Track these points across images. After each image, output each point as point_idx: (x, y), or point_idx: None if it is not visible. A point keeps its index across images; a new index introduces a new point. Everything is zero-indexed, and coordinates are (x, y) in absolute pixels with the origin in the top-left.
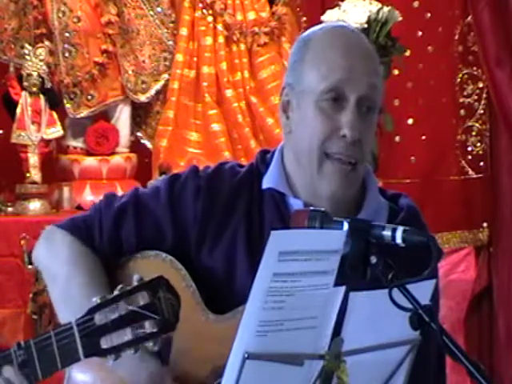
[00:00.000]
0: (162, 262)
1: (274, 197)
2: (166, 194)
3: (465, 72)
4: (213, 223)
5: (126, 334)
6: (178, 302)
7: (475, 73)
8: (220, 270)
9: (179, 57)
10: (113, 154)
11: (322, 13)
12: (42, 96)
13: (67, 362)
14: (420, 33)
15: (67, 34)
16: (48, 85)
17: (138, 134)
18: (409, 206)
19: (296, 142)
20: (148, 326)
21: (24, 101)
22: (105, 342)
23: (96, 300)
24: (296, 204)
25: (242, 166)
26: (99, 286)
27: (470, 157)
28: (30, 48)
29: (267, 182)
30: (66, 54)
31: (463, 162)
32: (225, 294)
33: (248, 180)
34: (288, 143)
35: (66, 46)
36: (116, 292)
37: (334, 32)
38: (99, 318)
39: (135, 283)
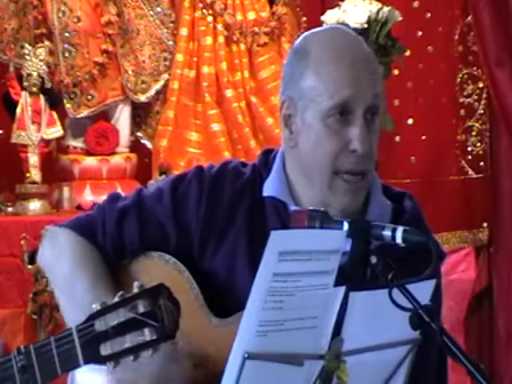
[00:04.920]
0: (165, 263)
1: (275, 205)
2: (170, 197)
3: (465, 72)
4: (215, 228)
5: (126, 341)
6: (177, 309)
7: (475, 73)
8: (222, 275)
9: (179, 57)
10: (113, 154)
11: (322, 13)
12: (41, 96)
13: (67, 367)
14: (420, 33)
15: (67, 34)
16: (48, 85)
17: (138, 134)
18: (412, 209)
19: (303, 157)
20: (148, 334)
21: (24, 101)
22: (104, 349)
23: (96, 307)
24: None
25: (245, 165)
26: (104, 285)
27: (469, 157)
28: (29, 48)
29: (268, 190)
30: (66, 54)
31: (463, 161)
32: (226, 299)
33: (250, 184)
34: (292, 156)
35: (65, 46)
36: (116, 299)
37: (333, 41)
38: (99, 325)
39: (136, 290)
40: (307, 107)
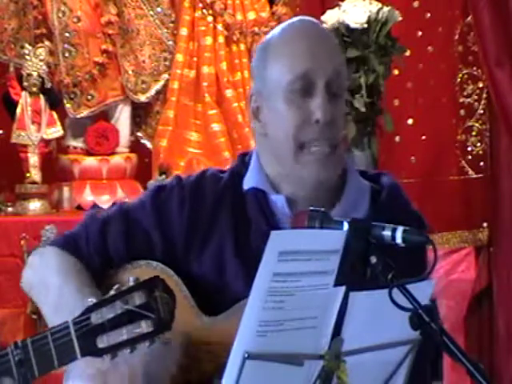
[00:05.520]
0: (152, 270)
1: (256, 195)
2: (152, 206)
3: (465, 72)
4: (199, 231)
5: (123, 334)
6: (173, 301)
7: (475, 73)
8: (210, 275)
9: (179, 57)
10: (113, 154)
11: (322, 13)
12: (41, 96)
13: (64, 360)
14: (420, 33)
15: (67, 34)
16: (48, 85)
17: (138, 134)
18: (390, 185)
19: (273, 139)
20: (144, 326)
21: (24, 101)
22: (101, 342)
23: (92, 300)
24: (278, 200)
25: (223, 172)
26: (92, 286)
27: (469, 157)
28: (30, 48)
29: (248, 183)
30: (66, 54)
31: (463, 161)
32: (216, 297)
33: (230, 184)
34: (264, 147)
35: (65, 46)
36: (112, 292)
37: (289, 28)
38: (95, 318)
39: (131, 283)
40: (272, 93)
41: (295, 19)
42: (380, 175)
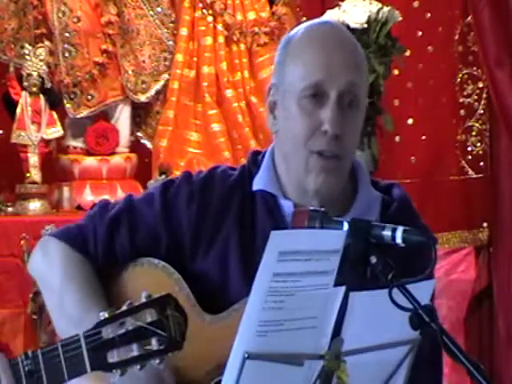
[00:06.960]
0: (154, 268)
1: (265, 198)
2: (160, 201)
3: (465, 72)
4: (206, 228)
5: (133, 350)
6: (185, 321)
7: (475, 73)
8: (214, 273)
9: (179, 57)
10: (113, 154)
11: (322, 13)
12: (41, 96)
13: (74, 373)
14: (420, 33)
15: (67, 34)
16: (48, 85)
17: (138, 134)
18: (401, 197)
19: (282, 140)
20: (155, 343)
21: (24, 101)
22: (111, 357)
23: (104, 314)
24: (287, 205)
25: (234, 169)
26: (93, 295)
27: (469, 157)
28: (30, 48)
29: (258, 184)
30: (66, 54)
31: (463, 161)
32: (219, 296)
33: (240, 183)
34: (277, 143)
35: (65, 46)
36: (124, 307)
37: (312, 29)
38: (106, 333)
39: (143, 300)
40: (287, 92)
41: (322, 21)
42: (392, 187)
